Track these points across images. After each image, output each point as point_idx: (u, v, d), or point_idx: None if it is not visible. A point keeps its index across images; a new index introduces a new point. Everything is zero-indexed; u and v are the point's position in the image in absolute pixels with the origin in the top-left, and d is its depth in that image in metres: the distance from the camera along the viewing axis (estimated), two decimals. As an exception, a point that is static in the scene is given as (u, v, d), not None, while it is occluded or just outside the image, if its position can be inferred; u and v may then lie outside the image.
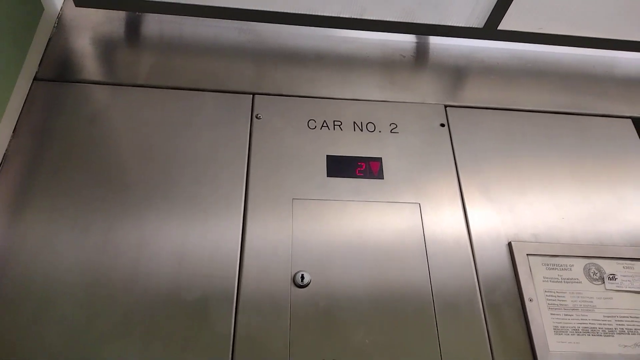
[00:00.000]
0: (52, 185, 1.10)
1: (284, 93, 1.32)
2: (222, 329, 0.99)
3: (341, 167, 1.22)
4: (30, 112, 1.19)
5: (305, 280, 1.05)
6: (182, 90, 1.28)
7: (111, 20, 1.40)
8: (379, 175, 1.22)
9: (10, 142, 1.14)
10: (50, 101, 1.21)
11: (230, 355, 0.97)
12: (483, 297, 1.09)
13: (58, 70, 1.27)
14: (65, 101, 1.22)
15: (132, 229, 1.07)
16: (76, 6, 1.30)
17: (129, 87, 1.27)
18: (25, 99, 1.20)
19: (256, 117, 1.26)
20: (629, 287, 1.13)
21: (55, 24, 1.35)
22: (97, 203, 1.09)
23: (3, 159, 1.11)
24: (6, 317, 0.95)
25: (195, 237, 1.08)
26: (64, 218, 1.07)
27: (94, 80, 1.27)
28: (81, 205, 1.08)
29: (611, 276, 1.13)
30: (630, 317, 1.09)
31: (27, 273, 1.00)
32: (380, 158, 1.24)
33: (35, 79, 1.24)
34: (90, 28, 1.37)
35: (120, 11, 1.40)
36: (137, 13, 1.42)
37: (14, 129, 1.15)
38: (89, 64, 1.30)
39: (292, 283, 1.05)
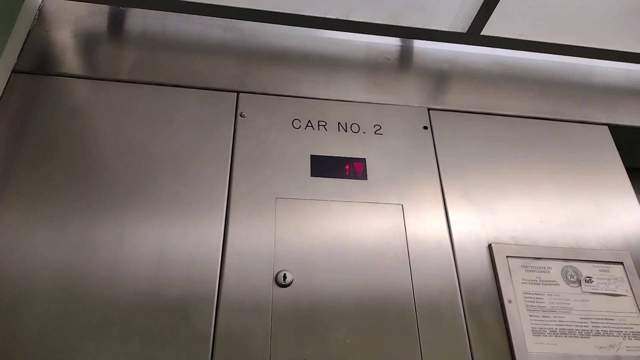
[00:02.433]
0: (29, 181, 1.07)
1: (269, 92, 1.32)
2: (202, 328, 0.98)
3: (325, 167, 1.22)
4: (7, 105, 1.16)
5: (288, 280, 1.05)
6: (165, 87, 1.27)
7: (94, 14, 1.37)
8: (363, 175, 1.22)
9: (-14, 134, 1.11)
10: (29, 94, 1.19)
11: (210, 355, 0.96)
12: (464, 298, 1.10)
13: (38, 62, 1.24)
14: (45, 95, 1.19)
15: (110, 227, 1.05)
16: (58, -2, 1.27)
17: (111, 82, 1.25)
18: (3, 91, 1.17)
19: (240, 115, 1.26)
20: (605, 290, 1.15)
21: (36, 16, 1.32)
22: (75, 200, 1.07)
23: (-21, 151, 1.08)
24: (-21, 313, 0.93)
25: (175, 236, 1.07)
26: (41, 214, 1.04)
27: (74, 74, 1.24)
28: (59, 202, 1.06)
29: (588, 279, 1.16)
30: (606, 319, 1.11)
31: (2, 270, 0.97)
32: (364, 159, 1.25)
33: (13, 71, 1.21)
34: (72, 21, 1.34)
35: (103, 5, 1.38)
36: (120, 7, 1.40)
37: (-9, 122, 1.13)
38: (70, 58, 1.27)
39: (274, 282, 1.05)
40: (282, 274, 1.05)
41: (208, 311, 1.00)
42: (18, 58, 1.23)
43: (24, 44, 1.26)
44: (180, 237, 1.07)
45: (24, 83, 1.20)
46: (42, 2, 1.35)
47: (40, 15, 1.33)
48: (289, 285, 1.05)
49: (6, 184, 1.06)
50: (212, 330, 0.98)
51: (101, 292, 0.98)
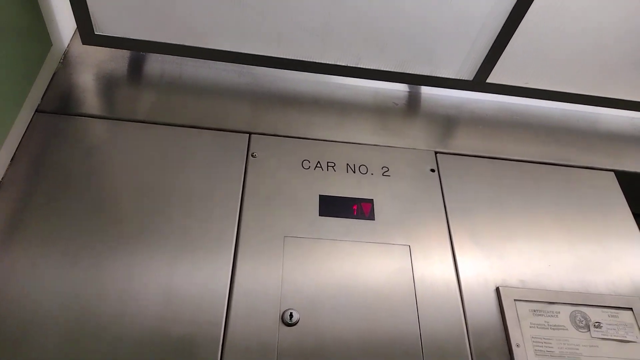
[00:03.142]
0: (45, 216, 1.10)
1: (279, 134, 1.36)
2: (208, 366, 0.98)
3: (333, 207, 1.24)
4: (29, 143, 1.21)
5: (294, 319, 1.05)
6: (180, 128, 1.31)
7: (115, 59, 1.44)
8: (370, 216, 1.24)
9: (7, 170, 1.15)
10: (50, 133, 1.24)
11: (215, 393, 0.95)
12: (471, 342, 1.09)
13: (60, 103, 1.30)
14: (64, 133, 1.24)
15: (121, 263, 1.07)
16: (83, 44, 1.34)
17: (128, 122, 1.30)
18: (26, 130, 1.22)
19: (252, 156, 1.29)
20: (614, 336, 1.13)
21: (61, 60, 1.39)
22: (88, 235, 1.09)
23: (-1, 186, 1.12)
24: (-11, 345, 0.94)
25: (184, 274, 1.08)
26: (54, 249, 1.06)
27: (94, 114, 1.30)
28: (72, 237, 1.09)
29: (597, 324, 1.14)
30: (616, 365, 1.10)
31: (13, 301, 0.99)
32: (372, 199, 1.27)
33: (37, 110, 1.26)
34: (94, 65, 1.41)
35: (125, 50, 1.45)
36: (140, 53, 1.47)
37: (12, 158, 1.17)
38: (91, 99, 1.33)
39: (280, 321, 1.05)
40: (288, 313, 1.05)
41: (214, 350, 1.00)
42: (42, 99, 1.29)
43: (48, 86, 1.32)
44: (189, 275, 1.08)
45: (46, 122, 1.25)
46: (67, 46, 1.43)
47: (65, 59, 1.40)
48: (295, 324, 1.05)
49: (23, 217, 1.09)
50: (218, 369, 0.98)
51: (109, 328, 0.99)
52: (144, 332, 0.99)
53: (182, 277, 1.07)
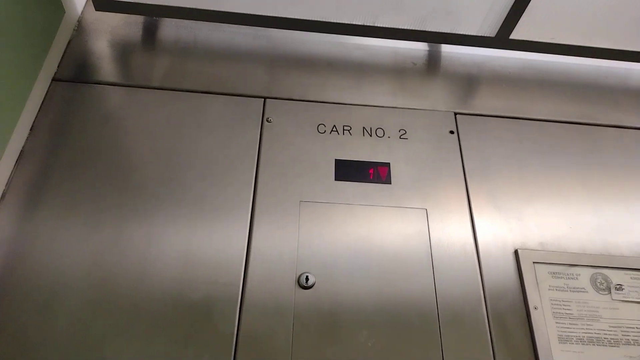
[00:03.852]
0: (65, 183, 1.13)
1: (295, 97, 1.34)
2: (225, 328, 1.00)
3: (349, 171, 1.23)
4: (47, 111, 1.22)
5: (310, 282, 1.06)
6: (195, 93, 1.31)
7: (129, 24, 1.44)
8: (387, 180, 1.23)
9: (27, 139, 1.17)
10: (67, 101, 1.25)
11: (232, 355, 0.98)
12: (488, 305, 1.09)
13: (76, 71, 1.31)
14: (82, 101, 1.25)
15: (140, 228, 1.09)
16: (96, 10, 1.33)
17: (144, 89, 1.30)
18: (44, 99, 1.24)
19: (267, 121, 1.28)
20: (636, 298, 1.12)
21: (76, 27, 1.39)
22: (108, 201, 1.12)
23: (20, 155, 1.15)
24: (16, 307, 0.98)
25: (201, 238, 1.10)
26: (75, 215, 1.09)
27: (109, 82, 1.30)
28: (93, 203, 1.11)
29: (618, 286, 1.12)
30: (637, 328, 1.08)
31: (38, 266, 1.03)
32: (389, 163, 1.25)
33: (53, 79, 1.28)
34: (108, 31, 1.41)
35: (138, 15, 1.44)
36: (154, 18, 1.45)
37: (32, 127, 1.19)
38: (106, 66, 1.33)
39: (296, 284, 1.06)
40: (304, 276, 1.07)
41: (231, 312, 1.02)
42: (58, 67, 1.30)
43: (63, 54, 1.33)
44: (206, 239, 1.10)
45: (63, 90, 1.27)
46: (81, 13, 1.42)
47: (79, 26, 1.40)
48: (311, 287, 1.06)
49: (44, 185, 1.12)
50: (235, 330, 1.00)
51: (130, 290, 1.02)
52: (164, 295, 1.02)
53: (200, 242, 1.09)
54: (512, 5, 1.30)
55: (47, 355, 0.94)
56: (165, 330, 0.99)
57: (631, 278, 1.14)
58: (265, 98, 1.33)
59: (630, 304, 1.11)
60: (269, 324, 1.01)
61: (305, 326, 1.02)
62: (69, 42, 1.36)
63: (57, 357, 0.94)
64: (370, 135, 1.30)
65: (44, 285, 1.01)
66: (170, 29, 1.45)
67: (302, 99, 1.34)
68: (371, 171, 1.23)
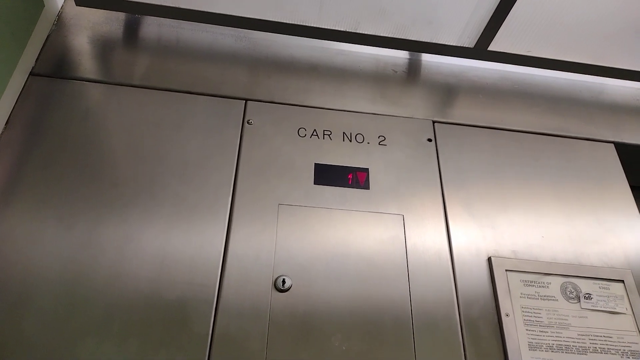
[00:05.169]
0: (40, 180, 1.11)
1: (276, 100, 1.34)
2: (200, 329, 1.00)
3: (328, 175, 1.23)
4: (24, 106, 1.20)
5: (287, 285, 1.06)
6: (176, 93, 1.30)
7: (110, 21, 1.42)
8: (365, 185, 1.24)
9: (2, 133, 1.15)
10: (45, 96, 1.23)
11: (207, 356, 0.97)
12: (461, 311, 1.11)
13: (54, 66, 1.29)
14: (60, 97, 1.23)
15: (116, 227, 1.08)
16: (77, 5, 1.32)
17: (124, 87, 1.29)
18: (20, 93, 1.21)
19: (247, 123, 1.28)
20: (604, 307, 1.15)
21: (55, 21, 1.37)
22: (84, 200, 1.10)
23: (-6, 150, 1.12)
24: (-15, 306, 0.96)
25: (178, 239, 1.09)
26: (50, 213, 1.07)
27: (89, 78, 1.28)
28: (68, 201, 1.09)
29: (587, 295, 1.15)
30: (604, 336, 1.11)
31: (8, 265, 1.00)
32: (367, 169, 1.26)
33: (31, 73, 1.25)
34: (89, 27, 1.39)
35: (120, 12, 1.42)
36: (136, 15, 1.44)
37: (7, 121, 1.17)
38: (86, 62, 1.32)
39: (273, 287, 1.06)
40: (281, 279, 1.07)
41: (207, 313, 1.02)
42: (36, 61, 1.28)
43: (42, 48, 1.30)
44: (183, 240, 1.09)
45: (41, 85, 1.24)
46: (61, 8, 1.40)
47: (59, 21, 1.38)
48: (287, 290, 1.06)
49: (18, 182, 1.10)
50: (210, 332, 1.00)
51: (104, 290, 1.01)
52: (139, 295, 1.01)
53: (176, 242, 1.08)
54: (491, 17, 1.33)
55: (17, 356, 0.92)
56: (140, 331, 0.98)
57: (600, 287, 1.17)
58: (246, 100, 1.33)
59: (598, 312, 1.14)
60: (245, 326, 1.01)
61: (281, 329, 1.02)
62: (47, 37, 1.33)
63: (27, 358, 0.92)
64: (350, 141, 1.31)
65: (14, 284, 0.99)
66: (152, 27, 1.44)
67: (284, 102, 1.35)
68: (350, 176, 1.24)
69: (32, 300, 0.98)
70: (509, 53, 1.44)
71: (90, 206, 1.10)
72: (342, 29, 1.37)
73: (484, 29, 1.36)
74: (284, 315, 1.04)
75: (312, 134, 1.30)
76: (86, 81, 1.28)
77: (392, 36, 1.39)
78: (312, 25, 1.36)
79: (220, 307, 1.03)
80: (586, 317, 1.13)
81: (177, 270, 1.05)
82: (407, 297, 1.10)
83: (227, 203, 1.15)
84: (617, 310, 1.15)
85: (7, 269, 1.00)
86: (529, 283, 1.15)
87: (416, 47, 1.43)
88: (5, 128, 1.16)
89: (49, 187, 1.10)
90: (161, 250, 1.07)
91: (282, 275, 1.07)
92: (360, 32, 1.38)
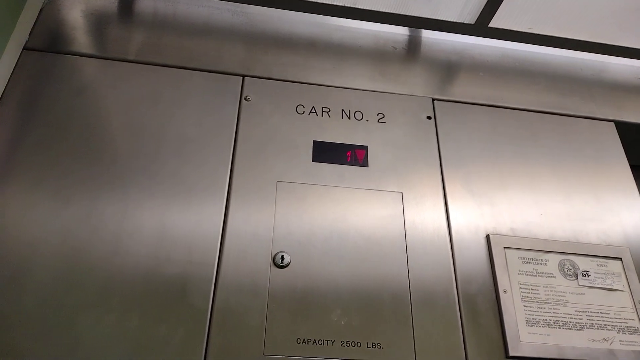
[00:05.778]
0: (36, 155, 1.10)
1: (274, 77, 1.33)
2: (199, 304, 1.00)
3: (327, 153, 1.23)
4: (18, 81, 1.18)
5: (285, 261, 1.06)
6: (172, 68, 1.28)
7: (105, -6, 1.39)
8: (364, 163, 1.23)
9: (-4, 109, 1.13)
10: (39, 71, 1.21)
11: (206, 330, 0.97)
12: (459, 287, 1.11)
13: (48, 40, 1.27)
14: (54, 72, 1.21)
15: (114, 202, 1.07)
16: (70, -22, 1.29)
17: (119, 62, 1.27)
18: (14, 68, 1.19)
19: (245, 99, 1.27)
20: (602, 284, 1.15)
21: (48, -5, 1.34)
22: (80, 175, 1.09)
23: (-12, 125, 1.11)
24: (-17, 281, 0.95)
25: (177, 215, 1.08)
26: (46, 188, 1.06)
27: (84, 53, 1.26)
28: (64, 177, 1.08)
29: (585, 272, 1.16)
30: (601, 312, 1.12)
31: (6, 240, 1.00)
32: (366, 146, 1.26)
33: (25, 48, 1.23)
34: (83, 1, 1.36)
35: (115, -14, 1.40)
36: (131, -11, 1.41)
37: (1, 97, 1.15)
38: (80, 37, 1.29)
39: (272, 263, 1.06)
40: (280, 255, 1.07)
41: (206, 289, 1.01)
42: (29, 35, 1.25)
43: (35, 22, 1.28)
44: (182, 216, 1.08)
45: (35, 60, 1.22)
46: (54, -19, 1.37)
47: (53, -6, 1.35)
48: (286, 266, 1.06)
49: (14, 158, 1.08)
50: (210, 306, 1.00)
51: (102, 265, 1.00)
52: (138, 270, 1.01)
53: (175, 219, 1.08)
54: (493, -7, 1.31)
55: (16, 331, 0.92)
56: (139, 306, 0.97)
57: (597, 265, 1.17)
58: (244, 76, 1.31)
59: (595, 289, 1.15)
60: (244, 301, 1.01)
61: (280, 304, 1.02)
62: (41, 10, 1.30)
63: (26, 332, 0.92)
64: (349, 118, 1.30)
65: (12, 259, 0.98)
66: (148, 1, 1.41)
67: (282, 78, 1.33)
68: (349, 154, 1.24)
69: (30, 275, 0.97)
70: (510, 30, 1.43)
71: (87, 181, 1.09)
72: (340, 4, 1.35)
73: (485, 5, 1.34)
74: (283, 290, 1.04)
75: (311, 111, 1.29)
76: (81, 56, 1.26)
77: (390, 11, 1.37)
78: (310, 0, 1.34)
79: (220, 283, 1.02)
80: (584, 294, 1.14)
81: (176, 248, 1.05)
82: (406, 273, 1.10)
83: (225, 179, 1.15)
84: (615, 287, 1.15)
85: (5, 245, 0.99)
86: (527, 260, 1.15)
87: (415, 22, 1.41)
88: (-1, 103, 1.14)
89: (44, 162, 1.09)
90: (160, 226, 1.06)
91: (281, 252, 1.07)
92: (359, 7, 1.36)
